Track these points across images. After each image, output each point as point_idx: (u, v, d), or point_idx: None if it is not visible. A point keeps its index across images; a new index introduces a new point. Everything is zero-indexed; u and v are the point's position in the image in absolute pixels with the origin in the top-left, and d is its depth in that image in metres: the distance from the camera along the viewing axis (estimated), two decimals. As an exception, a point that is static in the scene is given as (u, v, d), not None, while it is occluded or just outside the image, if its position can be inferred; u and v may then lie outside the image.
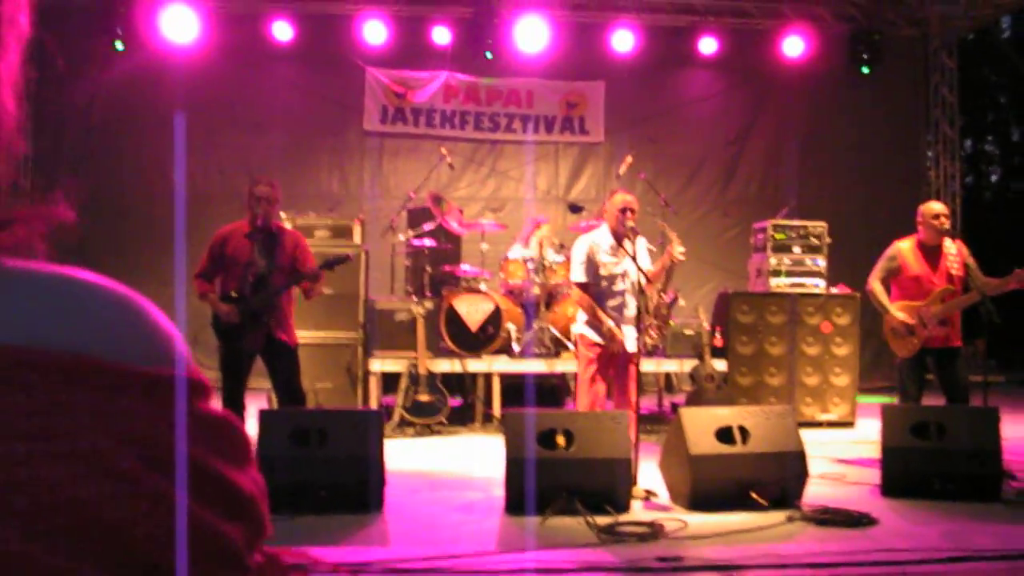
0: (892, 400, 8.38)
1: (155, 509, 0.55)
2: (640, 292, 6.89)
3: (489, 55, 12.78)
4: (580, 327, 7.13)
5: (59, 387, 0.54)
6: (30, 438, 0.52)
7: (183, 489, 0.56)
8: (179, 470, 0.57)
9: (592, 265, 6.98)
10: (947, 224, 7.47)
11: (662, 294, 7.41)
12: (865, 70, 13.39)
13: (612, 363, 7.06)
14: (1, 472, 0.52)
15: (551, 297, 9.86)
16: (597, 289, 7.00)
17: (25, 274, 0.59)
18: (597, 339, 6.97)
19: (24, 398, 0.53)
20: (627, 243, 6.93)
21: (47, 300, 0.58)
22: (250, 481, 0.62)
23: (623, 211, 6.94)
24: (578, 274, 7.03)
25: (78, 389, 0.55)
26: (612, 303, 7.00)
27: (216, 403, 0.63)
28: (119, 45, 12.22)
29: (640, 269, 6.82)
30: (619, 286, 7.03)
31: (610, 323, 6.89)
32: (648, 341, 7.30)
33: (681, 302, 9.58)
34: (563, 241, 10.12)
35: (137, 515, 0.54)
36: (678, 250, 6.96)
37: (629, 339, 6.95)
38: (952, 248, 7.47)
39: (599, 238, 7.06)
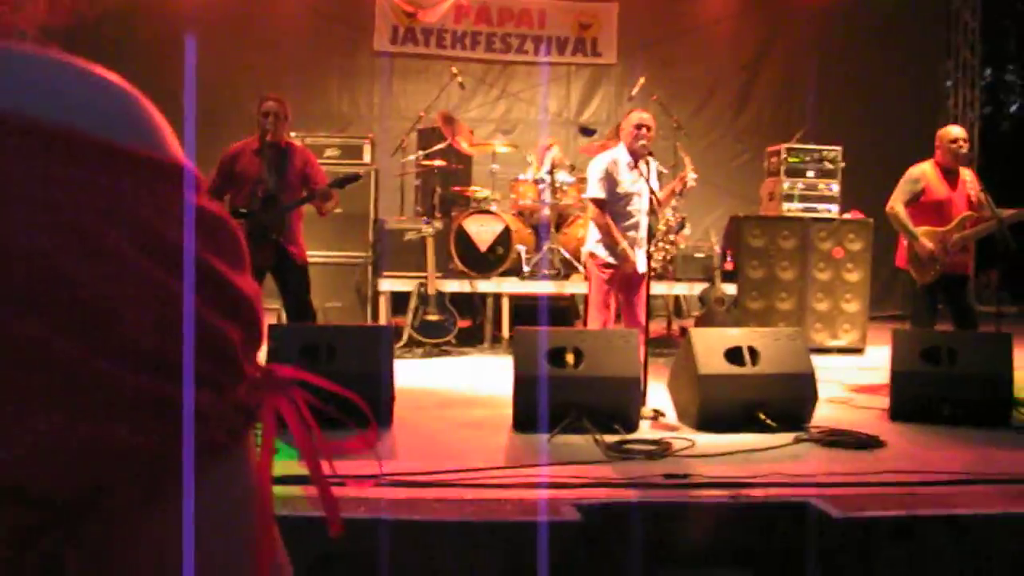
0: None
1: (142, 294, 0.52)
2: (651, 213, 6.85)
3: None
4: (591, 246, 7.09)
5: (42, 155, 0.51)
6: (8, 203, 0.49)
7: (191, 282, 0.53)
8: (187, 263, 0.54)
9: (610, 182, 6.92)
10: (966, 148, 7.38)
11: (669, 218, 7.37)
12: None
13: (623, 284, 7.04)
14: None
15: (561, 218, 9.81)
16: (613, 208, 6.95)
17: (15, 51, 0.57)
18: (609, 259, 6.94)
19: (3, 162, 0.50)
20: (641, 163, 6.87)
21: (33, 75, 0.55)
22: (248, 284, 0.59)
23: (638, 127, 6.87)
24: (595, 190, 6.97)
25: (64, 159, 0.52)
26: (626, 223, 6.96)
27: (208, 201, 0.59)
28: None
29: (652, 191, 6.77)
30: (634, 205, 6.98)
31: (624, 243, 6.85)
32: (655, 264, 7.28)
33: (686, 230, 9.51)
34: (574, 163, 10.04)
35: (125, 298, 0.51)
36: (691, 176, 6.92)
37: (640, 260, 6.91)
38: (968, 175, 7.39)
39: (618, 155, 6.99)
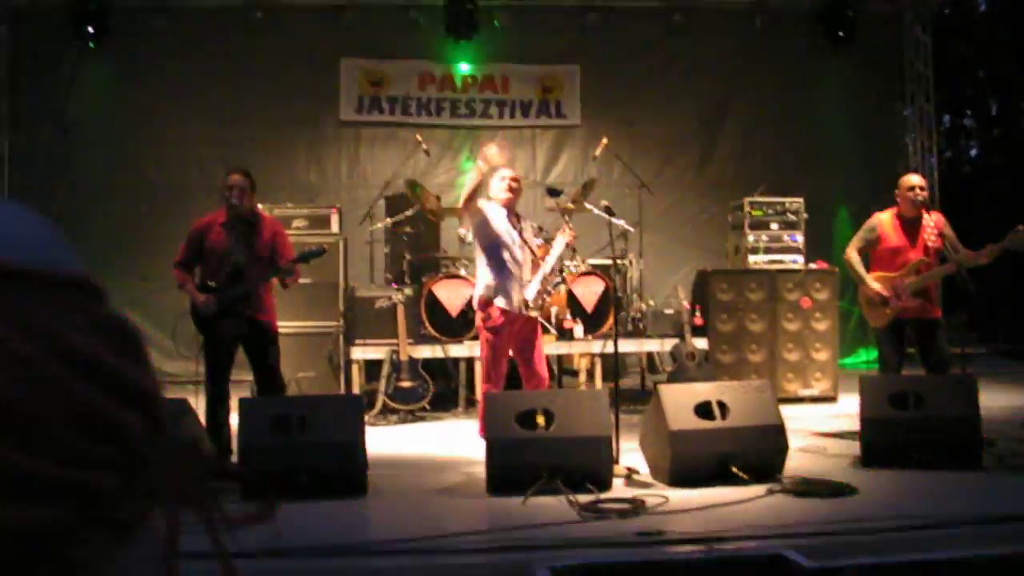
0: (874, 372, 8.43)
1: (53, 393, 0.58)
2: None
3: (464, 42, 12.77)
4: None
5: None
6: None
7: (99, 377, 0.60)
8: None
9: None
10: (923, 196, 7.52)
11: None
12: (840, 47, 13.40)
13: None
14: None
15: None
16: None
17: None
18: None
19: None
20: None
21: None
22: (145, 377, 0.65)
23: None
24: None
25: None
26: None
27: (110, 309, 0.66)
28: (91, 43, 12.21)
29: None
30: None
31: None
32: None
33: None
34: (541, 224, 10.13)
35: (38, 398, 0.58)
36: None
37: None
38: (930, 220, 7.52)
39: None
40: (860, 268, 7.53)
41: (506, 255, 6.83)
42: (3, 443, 0.56)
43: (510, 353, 6.98)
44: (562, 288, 9.45)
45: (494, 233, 6.83)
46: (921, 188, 7.53)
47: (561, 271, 9.16)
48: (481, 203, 6.85)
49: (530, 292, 6.92)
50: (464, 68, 13.20)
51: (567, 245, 7.18)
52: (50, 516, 0.58)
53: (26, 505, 0.57)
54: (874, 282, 7.43)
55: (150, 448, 0.65)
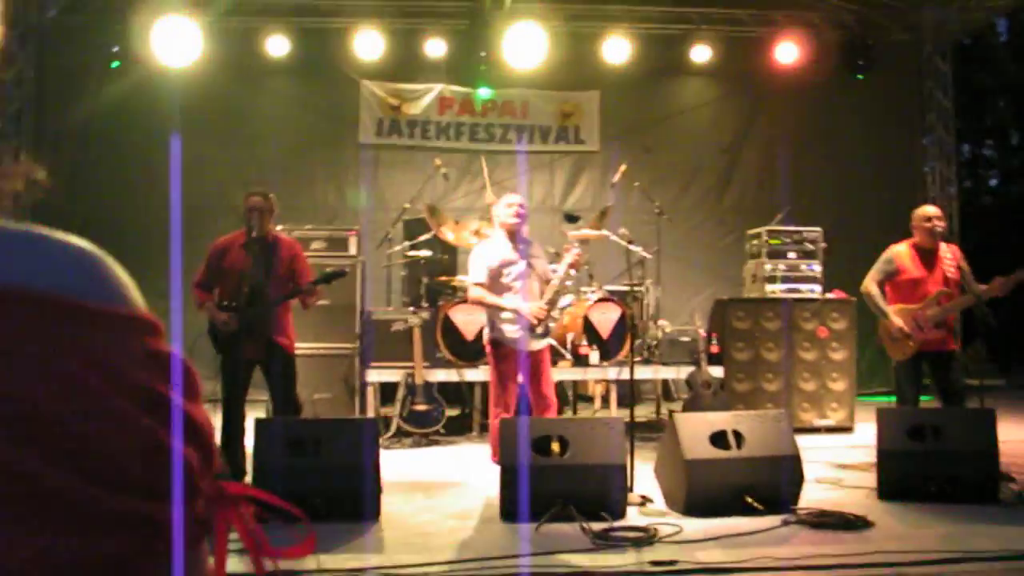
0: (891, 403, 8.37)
1: (119, 427, 0.63)
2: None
3: (483, 67, 12.82)
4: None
5: (33, 318, 0.63)
6: (9, 356, 0.61)
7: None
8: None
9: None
10: (941, 227, 7.49)
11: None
12: (860, 76, 13.40)
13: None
14: None
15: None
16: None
17: (2, 229, 0.69)
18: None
19: (5, 325, 0.62)
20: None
21: (19, 249, 0.67)
22: (200, 413, 0.68)
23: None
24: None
25: (50, 321, 0.63)
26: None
27: (166, 344, 0.70)
28: (115, 62, 12.27)
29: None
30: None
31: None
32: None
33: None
34: (558, 250, 10.14)
35: (105, 432, 0.62)
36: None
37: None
38: (947, 252, 7.49)
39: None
40: (882, 302, 7.46)
41: (505, 283, 7.07)
42: (72, 476, 0.59)
43: (520, 379, 7.01)
44: (577, 312, 9.45)
45: (492, 268, 7.08)
46: (939, 219, 7.50)
47: (575, 292, 9.15)
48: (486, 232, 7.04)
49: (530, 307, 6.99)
50: (484, 93, 13.24)
51: (571, 265, 7.19)
52: (115, 547, 0.60)
53: (94, 536, 0.59)
54: (896, 316, 7.36)
55: (205, 480, 0.68)
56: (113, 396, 0.62)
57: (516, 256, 7.13)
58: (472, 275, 7.24)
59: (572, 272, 7.26)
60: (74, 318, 0.63)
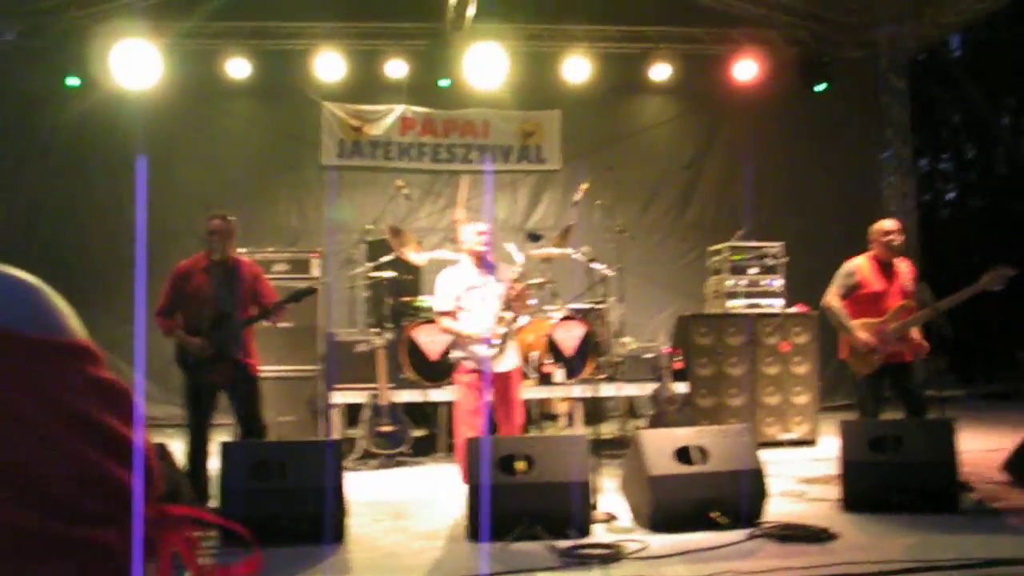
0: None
1: (57, 454, 0.64)
2: None
3: (445, 83, 12.84)
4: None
5: None
6: None
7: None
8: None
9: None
10: (898, 241, 7.55)
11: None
12: (818, 88, 13.51)
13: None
14: None
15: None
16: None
17: None
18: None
19: None
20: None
21: None
22: (141, 438, 0.68)
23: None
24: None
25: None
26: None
27: (105, 371, 0.70)
28: (75, 82, 12.15)
29: None
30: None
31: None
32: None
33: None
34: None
35: (44, 459, 0.63)
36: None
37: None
38: (903, 266, 7.57)
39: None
40: (844, 317, 7.45)
41: (466, 308, 7.15)
42: (9, 504, 0.59)
43: (488, 397, 7.02)
44: (541, 330, 9.46)
45: (458, 295, 7.17)
46: (897, 233, 7.57)
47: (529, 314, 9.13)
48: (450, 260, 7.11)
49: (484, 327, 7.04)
50: (444, 83, 13.10)
51: (505, 299, 7.16)
52: (58, 573, 0.60)
53: (34, 564, 0.59)
54: (861, 331, 7.39)
55: (146, 503, 0.68)
56: (51, 423, 0.62)
57: (482, 282, 7.18)
58: (438, 303, 7.28)
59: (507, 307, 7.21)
60: (12, 348, 0.63)
